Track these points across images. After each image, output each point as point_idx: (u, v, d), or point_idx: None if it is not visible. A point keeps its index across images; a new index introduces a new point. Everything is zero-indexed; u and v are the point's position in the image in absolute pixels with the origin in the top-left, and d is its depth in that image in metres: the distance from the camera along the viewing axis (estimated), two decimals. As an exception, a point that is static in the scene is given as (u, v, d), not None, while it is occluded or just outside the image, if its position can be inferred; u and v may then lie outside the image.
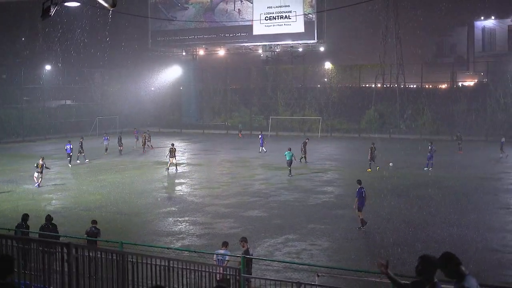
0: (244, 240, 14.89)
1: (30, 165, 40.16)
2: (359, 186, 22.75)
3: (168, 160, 37.66)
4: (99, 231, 16.88)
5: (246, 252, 14.43)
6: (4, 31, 66.55)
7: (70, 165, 39.74)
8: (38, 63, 67.01)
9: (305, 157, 40.97)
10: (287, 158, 35.41)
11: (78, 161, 41.45)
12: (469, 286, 6.75)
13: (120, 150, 46.93)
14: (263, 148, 47.77)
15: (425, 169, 36.77)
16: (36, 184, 31.69)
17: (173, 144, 38.69)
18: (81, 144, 42.06)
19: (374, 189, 30.11)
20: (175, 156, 37.41)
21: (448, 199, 27.49)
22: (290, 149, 35.63)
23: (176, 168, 37.67)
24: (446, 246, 19.42)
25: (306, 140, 42.37)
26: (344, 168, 38.96)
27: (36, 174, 31.95)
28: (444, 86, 72.92)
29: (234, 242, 17.20)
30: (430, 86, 69.63)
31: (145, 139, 50.18)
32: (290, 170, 35.33)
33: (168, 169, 37.62)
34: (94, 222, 17.31)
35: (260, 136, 48.87)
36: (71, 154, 39.70)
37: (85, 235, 16.60)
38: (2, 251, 10.60)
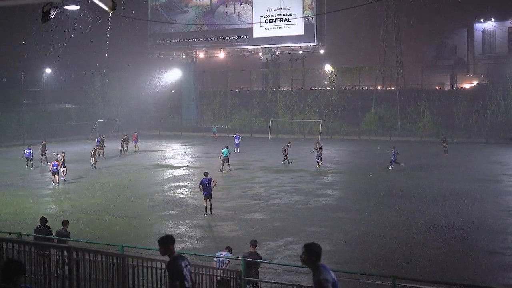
0: (251, 243, 15.07)
1: (31, 168, 40.42)
2: (204, 177, 25.24)
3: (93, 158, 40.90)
4: (69, 234, 16.78)
5: (252, 255, 14.47)
6: (4, 35, 66.66)
7: (27, 167, 40.55)
8: (38, 67, 67.11)
9: (287, 159, 41.74)
10: (224, 155, 38.27)
11: (42, 164, 41.95)
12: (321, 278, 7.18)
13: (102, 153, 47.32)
14: (238, 149, 48.69)
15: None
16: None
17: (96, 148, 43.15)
18: (44, 147, 42.92)
19: (375, 192, 30.13)
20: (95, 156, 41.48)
21: (448, 201, 27.45)
22: (227, 147, 39.14)
23: (94, 166, 40.54)
24: (447, 248, 19.43)
25: (288, 144, 42.78)
26: (344, 170, 38.97)
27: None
28: (444, 88, 72.98)
29: (235, 245, 17.16)
30: (430, 88, 69.59)
31: (123, 141, 50.73)
32: (222, 166, 38.32)
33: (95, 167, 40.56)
34: (65, 223, 17.11)
35: (235, 136, 49.91)
36: (29, 157, 40.60)
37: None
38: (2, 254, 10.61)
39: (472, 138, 57.08)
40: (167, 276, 8.32)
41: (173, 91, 77.27)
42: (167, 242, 8.17)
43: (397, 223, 23.04)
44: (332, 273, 7.28)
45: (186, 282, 8.19)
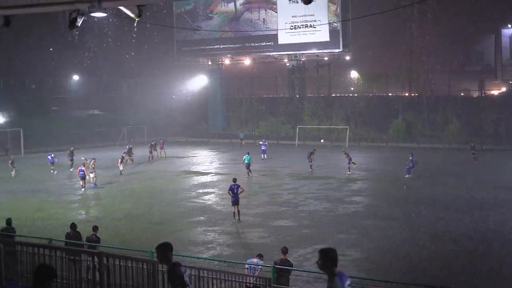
0: (281, 250, 14.92)
1: (59, 174, 40.85)
2: (232, 183, 25.50)
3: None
4: (99, 239, 16.99)
5: (283, 262, 14.35)
6: (32, 42, 67.45)
7: (54, 172, 41.54)
8: (66, 73, 67.86)
9: (310, 165, 41.86)
10: (246, 162, 38.99)
11: (71, 170, 42.51)
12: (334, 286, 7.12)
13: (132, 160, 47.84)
14: (265, 155, 49.14)
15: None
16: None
17: (123, 155, 43.60)
18: (72, 153, 44.17)
19: (403, 199, 29.83)
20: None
21: (479, 210, 27.01)
22: (248, 153, 39.93)
23: (121, 173, 40.76)
24: (480, 258, 19.10)
25: (313, 150, 42.89)
26: (373, 177, 38.62)
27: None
28: (471, 94, 72.13)
29: (264, 252, 17.05)
30: (458, 95, 68.81)
31: (151, 147, 51.42)
32: (248, 172, 38.85)
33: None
34: (95, 229, 17.31)
35: (262, 143, 50.27)
36: (52, 162, 41.82)
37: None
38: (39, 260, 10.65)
39: (502, 145, 56.21)
40: (168, 282, 8.31)
41: (188, 98, 77.21)
42: (165, 250, 8.16)
43: (427, 231, 22.74)
44: (347, 283, 7.16)
45: None
